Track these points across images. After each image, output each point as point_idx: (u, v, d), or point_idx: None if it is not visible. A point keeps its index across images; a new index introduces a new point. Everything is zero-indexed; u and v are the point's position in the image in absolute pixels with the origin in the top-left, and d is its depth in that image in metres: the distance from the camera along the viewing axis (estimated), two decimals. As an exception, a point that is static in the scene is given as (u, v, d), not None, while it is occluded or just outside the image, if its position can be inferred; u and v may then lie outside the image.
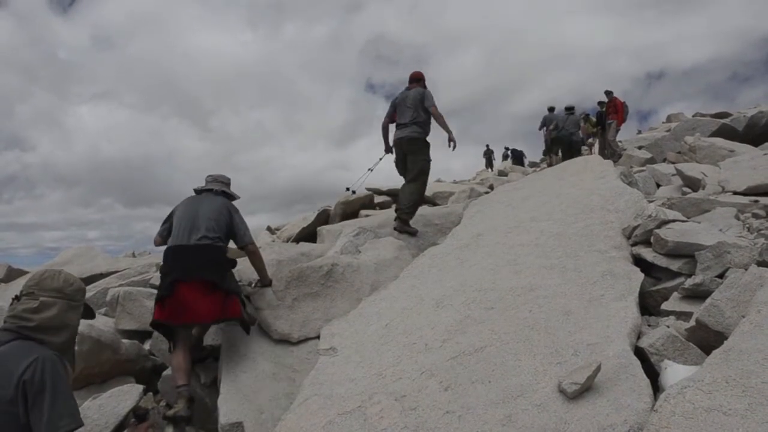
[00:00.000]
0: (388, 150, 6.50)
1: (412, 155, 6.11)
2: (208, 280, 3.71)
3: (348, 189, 8.45)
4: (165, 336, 3.86)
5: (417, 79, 6.44)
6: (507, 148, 24.79)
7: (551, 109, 14.32)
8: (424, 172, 6.13)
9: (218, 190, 4.23)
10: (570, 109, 13.48)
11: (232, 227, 4.03)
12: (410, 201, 6.05)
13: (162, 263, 3.90)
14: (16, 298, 2.27)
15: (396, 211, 6.23)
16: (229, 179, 4.45)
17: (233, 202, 4.27)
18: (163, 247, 3.98)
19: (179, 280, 3.66)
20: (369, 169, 7.63)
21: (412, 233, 6.03)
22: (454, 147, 6.19)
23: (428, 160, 6.14)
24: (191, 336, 3.89)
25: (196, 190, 4.26)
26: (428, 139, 6.19)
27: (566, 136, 13.04)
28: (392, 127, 6.36)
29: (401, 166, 6.33)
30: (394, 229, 6.02)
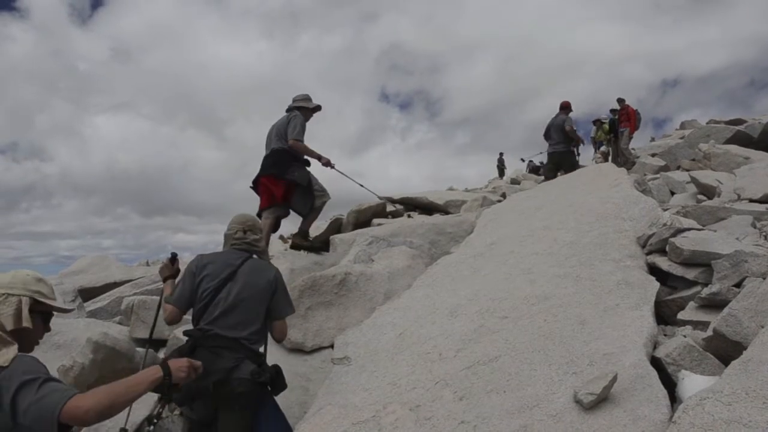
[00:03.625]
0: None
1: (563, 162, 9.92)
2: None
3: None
4: None
5: (564, 107, 10.07)
6: (531, 161, 23.83)
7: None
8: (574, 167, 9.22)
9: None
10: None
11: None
12: None
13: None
14: (243, 231, 3.16)
15: None
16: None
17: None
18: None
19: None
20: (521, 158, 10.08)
21: None
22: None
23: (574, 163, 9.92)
24: None
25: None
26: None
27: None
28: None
29: (553, 172, 9.88)
30: None
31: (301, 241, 6.18)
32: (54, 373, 4.09)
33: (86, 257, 10.65)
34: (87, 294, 7.50)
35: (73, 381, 3.94)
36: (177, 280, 3.21)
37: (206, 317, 2.90)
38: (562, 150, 10.06)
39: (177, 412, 3.95)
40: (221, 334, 2.83)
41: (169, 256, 3.36)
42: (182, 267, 3.30)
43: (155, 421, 2.73)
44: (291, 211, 5.97)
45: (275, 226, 5.89)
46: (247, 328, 2.90)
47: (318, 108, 5.89)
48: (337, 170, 6.25)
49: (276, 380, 2.88)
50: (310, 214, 5.89)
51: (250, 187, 5.90)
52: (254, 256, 3.19)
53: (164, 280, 3.30)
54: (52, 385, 1.72)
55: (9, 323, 1.84)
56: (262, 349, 3.08)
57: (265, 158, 5.69)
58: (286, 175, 5.54)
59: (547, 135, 10.30)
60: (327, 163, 5.97)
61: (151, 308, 4.98)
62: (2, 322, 1.83)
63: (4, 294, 1.88)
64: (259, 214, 5.61)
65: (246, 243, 3.14)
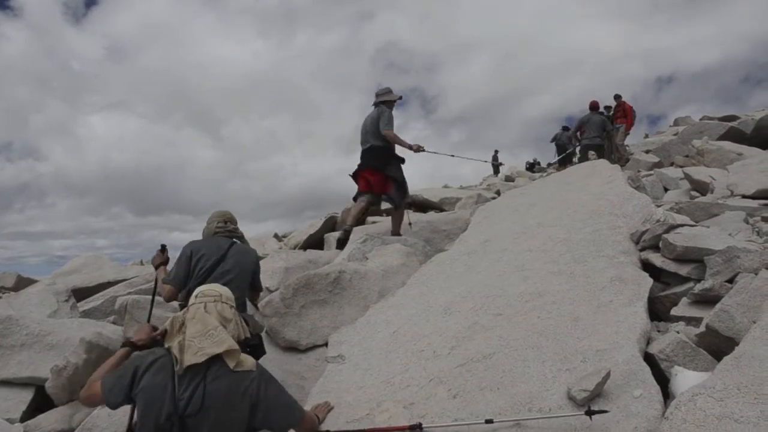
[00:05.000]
0: None
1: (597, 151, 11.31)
2: None
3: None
4: None
5: (594, 107, 12.11)
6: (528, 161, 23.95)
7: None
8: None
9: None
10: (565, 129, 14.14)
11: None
12: None
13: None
14: (224, 222, 3.65)
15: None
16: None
17: None
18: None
19: None
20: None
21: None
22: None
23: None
24: None
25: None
26: None
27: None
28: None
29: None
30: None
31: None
32: (47, 373, 4.09)
33: (80, 257, 10.61)
34: (80, 294, 7.46)
35: (67, 381, 3.92)
36: (170, 269, 3.56)
37: None
38: (599, 143, 12.02)
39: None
40: None
41: (159, 247, 3.80)
42: (172, 258, 3.77)
43: None
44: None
45: (365, 211, 6.72)
46: (238, 298, 3.15)
47: (399, 98, 6.56)
48: (428, 151, 6.87)
49: (259, 346, 3.32)
50: (399, 208, 6.60)
51: (350, 175, 6.70)
52: (236, 241, 3.67)
53: (156, 268, 3.72)
54: None
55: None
56: None
57: (365, 152, 6.47)
58: (385, 170, 6.35)
59: (581, 130, 12.52)
60: (418, 149, 6.54)
61: (144, 308, 4.95)
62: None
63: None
64: (355, 198, 6.60)
65: (228, 231, 3.66)
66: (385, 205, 10.83)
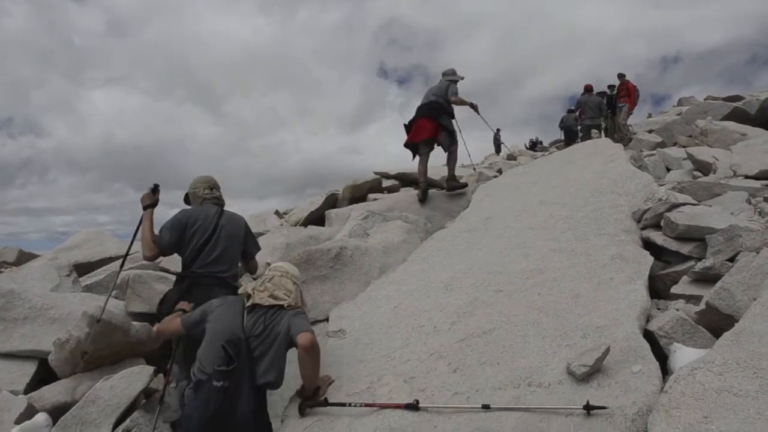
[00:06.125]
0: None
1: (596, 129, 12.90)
2: None
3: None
4: None
5: (589, 89, 13.30)
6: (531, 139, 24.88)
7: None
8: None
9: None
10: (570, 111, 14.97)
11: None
12: None
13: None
14: (210, 188, 3.75)
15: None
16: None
17: None
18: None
19: None
20: None
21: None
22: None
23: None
24: None
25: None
26: None
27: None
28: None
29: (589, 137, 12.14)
30: None
31: (454, 183, 7.84)
32: (50, 346, 4.12)
33: (81, 233, 10.60)
34: (82, 269, 7.48)
35: (69, 354, 3.95)
36: (160, 227, 3.68)
37: (199, 263, 3.52)
38: (598, 123, 13.36)
39: (173, 384, 3.98)
40: (212, 274, 3.51)
41: (152, 186, 3.78)
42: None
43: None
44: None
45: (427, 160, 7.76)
46: (230, 269, 3.62)
47: (462, 78, 7.84)
48: (479, 114, 8.39)
49: None
50: (451, 155, 7.68)
51: (404, 125, 7.73)
52: (225, 210, 3.80)
53: (144, 209, 3.73)
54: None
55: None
56: None
57: (422, 106, 7.60)
58: (439, 119, 7.45)
59: (580, 112, 13.57)
60: (476, 108, 8.10)
61: (146, 282, 4.97)
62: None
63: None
64: (411, 147, 7.66)
65: (215, 198, 3.77)
66: (386, 183, 10.84)
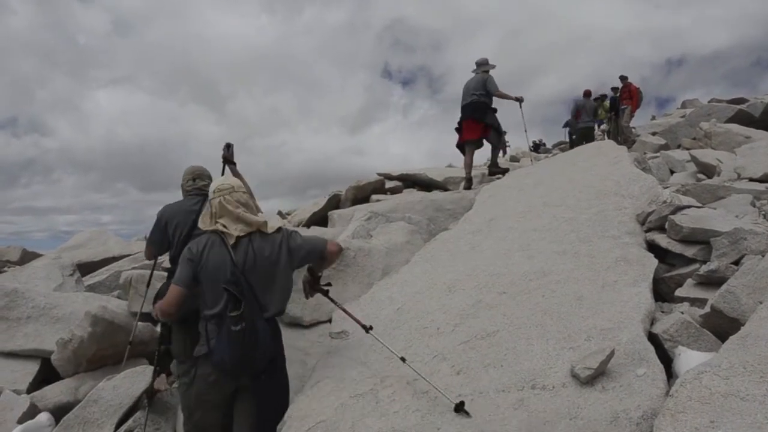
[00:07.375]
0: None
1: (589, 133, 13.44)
2: None
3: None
4: None
5: (588, 95, 13.87)
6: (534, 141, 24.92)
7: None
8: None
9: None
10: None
11: None
12: None
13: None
14: (193, 179, 3.73)
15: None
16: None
17: None
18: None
19: None
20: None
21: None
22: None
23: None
24: None
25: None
26: None
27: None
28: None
29: (581, 142, 12.48)
30: None
31: (496, 169, 8.67)
32: (52, 346, 4.12)
33: (84, 232, 10.64)
34: (85, 268, 7.50)
35: (72, 354, 3.96)
36: (152, 230, 3.73)
37: None
38: (592, 126, 14.09)
39: (175, 384, 3.98)
40: None
41: (225, 145, 3.93)
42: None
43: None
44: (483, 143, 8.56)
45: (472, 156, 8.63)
46: None
47: (493, 66, 8.36)
48: (521, 109, 8.72)
49: None
50: (498, 147, 8.56)
51: (455, 128, 8.52)
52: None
53: (232, 165, 3.93)
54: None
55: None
56: None
57: (466, 106, 8.21)
58: (485, 119, 8.08)
59: (577, 114, 13.91)
60: (518, 99, 8.48)
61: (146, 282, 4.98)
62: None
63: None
64: (460, 146, 8.60)
65: (197, 189, 3.74)
66: (389, 184, 10.84)
